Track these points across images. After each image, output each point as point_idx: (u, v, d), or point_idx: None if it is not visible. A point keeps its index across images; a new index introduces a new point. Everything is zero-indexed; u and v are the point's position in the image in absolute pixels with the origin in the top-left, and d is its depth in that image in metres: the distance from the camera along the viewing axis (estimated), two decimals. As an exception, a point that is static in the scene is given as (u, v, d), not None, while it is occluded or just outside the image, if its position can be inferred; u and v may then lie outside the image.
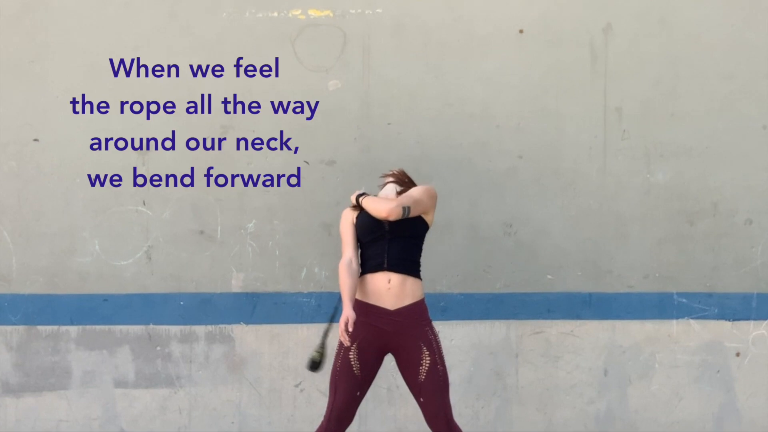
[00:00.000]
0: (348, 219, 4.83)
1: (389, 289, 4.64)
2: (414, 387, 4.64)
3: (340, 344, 4.65)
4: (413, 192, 4.76)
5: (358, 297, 4.69)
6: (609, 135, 5.66)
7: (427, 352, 4.59)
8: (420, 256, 4.78)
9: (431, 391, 4.58)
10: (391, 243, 4.68)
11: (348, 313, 4.55)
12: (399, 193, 4.85)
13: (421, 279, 4.73)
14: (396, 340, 4.63)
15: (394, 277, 4.65)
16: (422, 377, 4.58)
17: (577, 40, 5.65)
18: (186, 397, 5.64)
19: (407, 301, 4.65)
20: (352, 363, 4.61)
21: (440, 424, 4.60)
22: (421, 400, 4.61)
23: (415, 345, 4.60)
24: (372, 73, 5.63)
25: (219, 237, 5.62)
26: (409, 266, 4.69)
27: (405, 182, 4.95)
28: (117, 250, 5.60)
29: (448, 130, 5.64)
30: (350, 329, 4.53)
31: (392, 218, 4.62)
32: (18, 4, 5.60)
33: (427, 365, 4.58)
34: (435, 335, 4.66)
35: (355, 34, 5.62)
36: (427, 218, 4.81)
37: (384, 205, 4.63)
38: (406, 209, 4.63)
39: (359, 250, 4.79)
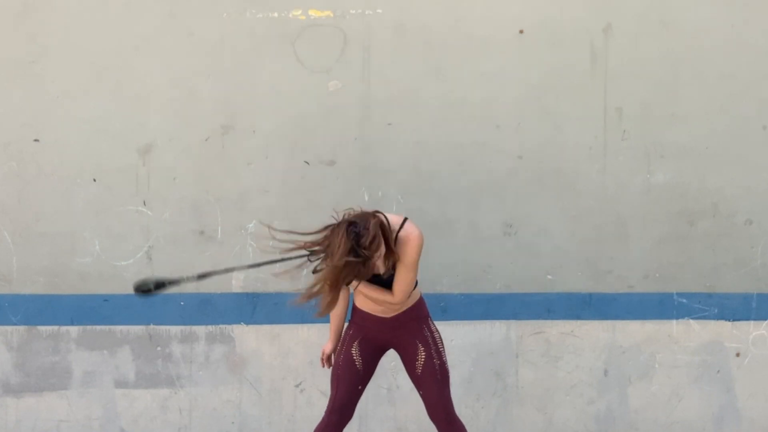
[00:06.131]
0: None
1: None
2: (413, 380, 4.68)
3: (343, 339, 4.67)
4: (409, 271, 4.44)
5: (356, 305, 4.69)
6: (609, 135, 5.66)
7: (422, 348, 4.61)
8: None
9: (428, 382, 4.61)
10: (382, 282, 4.59)
11: (327, 347, 4.74)
12: (386, 255, 4.38)
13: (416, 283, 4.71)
14: (395, 340, 4.66)
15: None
16: (419, 370, 4.62)
17: (577, 40, 5.64)
18: (186, 397, 5.64)
19: (403, 308, 4.65)
20: (355, 358, 4.63)
21: (439, 414, 4.62)
22: (421, 392, 4.66)
23: (411, 342, 4.63)
24: (372, 73, 5.62)
25: (219, 237, 5.62)
26: None
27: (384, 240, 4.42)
28: (117, 251, 5.60)
29: (448, 130, 5.63)
30: (328, 361, 4.74)
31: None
32: (18, 4, 5.60)
33: (423, 359, 4.61)
34: (432, 331, 4.66)
35: (356, 34, 5.61)
36: None
37: (388, 302, 4.53)
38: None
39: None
